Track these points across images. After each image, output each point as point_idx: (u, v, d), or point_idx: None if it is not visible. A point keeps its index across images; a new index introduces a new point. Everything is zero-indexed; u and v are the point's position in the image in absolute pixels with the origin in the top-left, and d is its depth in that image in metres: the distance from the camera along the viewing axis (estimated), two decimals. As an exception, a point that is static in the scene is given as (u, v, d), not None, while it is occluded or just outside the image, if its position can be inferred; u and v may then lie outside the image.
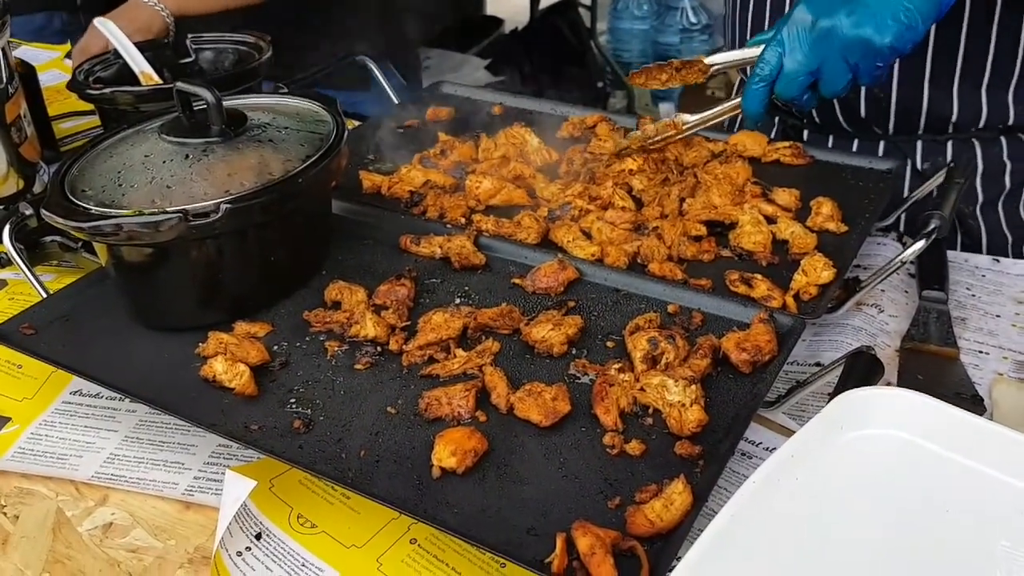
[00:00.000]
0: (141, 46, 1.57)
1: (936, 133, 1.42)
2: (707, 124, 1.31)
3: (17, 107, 1.34)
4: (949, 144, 1.41)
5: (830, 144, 1.48)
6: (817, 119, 1.50)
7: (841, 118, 1.46)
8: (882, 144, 1.44)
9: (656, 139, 1.35)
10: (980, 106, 1.36)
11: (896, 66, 1.36)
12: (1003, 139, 1.40)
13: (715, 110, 1.28)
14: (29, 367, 1.11)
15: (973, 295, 1.21)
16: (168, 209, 1.00)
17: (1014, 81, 1.34)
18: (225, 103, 1.11)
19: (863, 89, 1.41)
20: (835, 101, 1.44)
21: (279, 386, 0.99)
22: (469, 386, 0.95)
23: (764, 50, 1.12)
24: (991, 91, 1.34)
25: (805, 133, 1.54)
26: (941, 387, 1.03)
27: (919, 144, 1.43)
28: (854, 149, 1.46)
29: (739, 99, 1.19)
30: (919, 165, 1.42)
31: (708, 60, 1.23)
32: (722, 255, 1.19)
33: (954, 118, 1.37)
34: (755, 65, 1.13)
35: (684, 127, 1.32)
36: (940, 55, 1.33)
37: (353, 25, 2.11)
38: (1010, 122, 1.37)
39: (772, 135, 1.54)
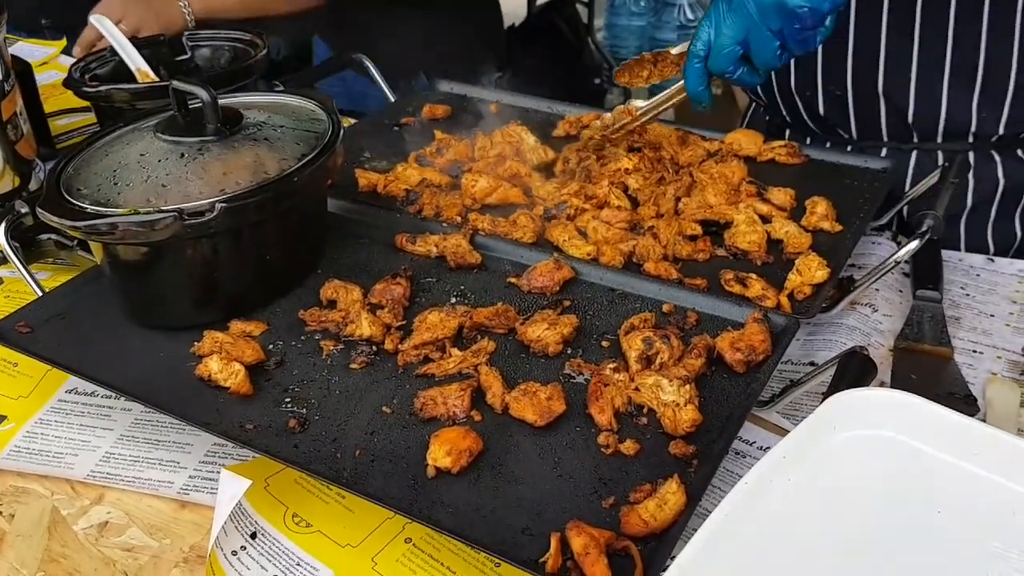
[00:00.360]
0: (137, 43, 1.57)
1: (900, 141, 1.41)
2: (659, 109, 1.30)
3: (13, 104, 1.34)
4: (913, 154, 1.41)
5: (808, 142, 1.49)
6: (787, 117, 1.50)
7: (805, 116, 1.46)
8: (849, 150, 1.44)
9: (615, 127, 1.35)
10: (939, 107, 1.35)
11: (850, 60, 1.36)
12: (971, 155, 1.39)
13: (663, 94, 1.28)
14: (25, 365, 1.11)
15: (967, 294, 1.22)
16: (163, 208, 1.00)
17: (977, 87, 1.33)
18: (221, 101, 1.11)
19: (819, 84, 1.41)
20: (796, 97, 1.44)
21: (274, 385, 1.00)
22: (464, 386, 0.95)
23: (698, 28, 1.12)
24: (952, 92, 1.34)
25: (787, 132, 1.54)
26: (935, 387, 1.03)
27: (884, 152, 1.42)
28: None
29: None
30: None
31: (674, 51, 1.23)
32: (717, 254, 1.19)
33: (911, 118, 1.37)
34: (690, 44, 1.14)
35: (637, 112, 1.32)
36: (893, 49, 1.33)
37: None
38: (973, 129, 1.36)
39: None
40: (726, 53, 1.09)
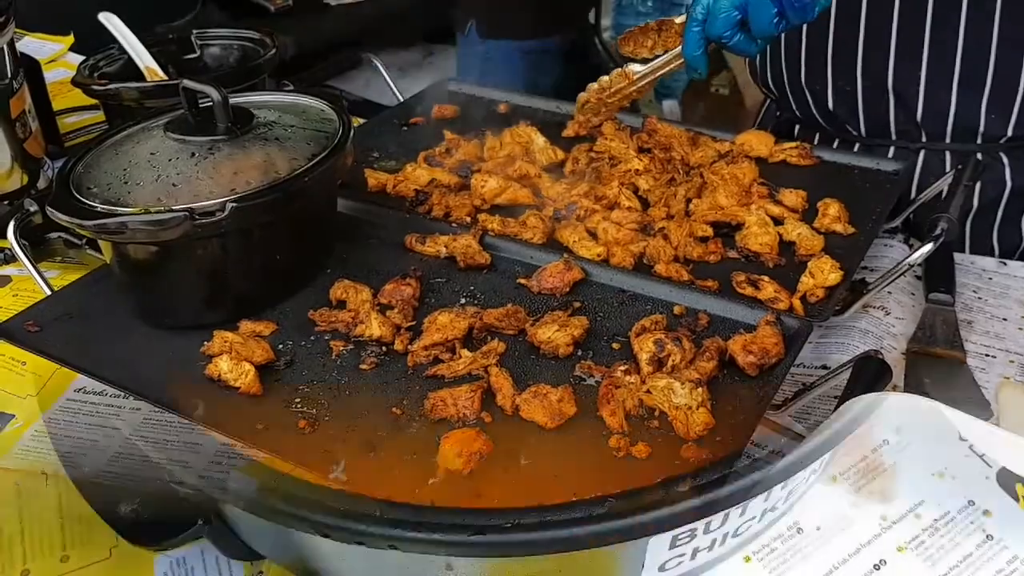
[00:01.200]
0: (146, 41, 1.57)
1: (908, 139, 1.40)
2: (657, 74, 1.27)
3: (22, 102, 1.34)
4: (921, 154, 1.40)
5: (816, 141, 1.48)
6: (797, 112, 1.49)
7: (814, 111, 1.45)
8: (857, 147, 1.43)
9: (612, 91, 1.33)
10: (948, 106, 1.34)
11: (860, 54, 1.35)
12: (978, 156, 1.38)
13: (662, 58, 1.25)
14: (33, 364, 1.10)
15: (980, 298, 1.21)
16: (174, 208, 0.99)
17: (987, 87, 1.32)
18: (231, 101, 1.10)
19: (829, 78, 1.40)
20: (806, 92, 1.43)
21: (284, 385, 0.99)
22: (474, 387, 0.95)
23: None
24: (961, 92, 1.33)
25: (796, 128, 1.53)
26: (948, 391, 1.03)
27: (891, 151, 1.42)
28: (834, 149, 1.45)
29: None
30: None
31: (678, 20, 1.22)
32: (728, 256, 1.18)
33: (919, 116, 1.36)
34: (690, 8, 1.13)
35: (635, 76, 1.30)
36: (904, 45, 1.32)
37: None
38: (981, 130, 1.35)
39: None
40: (723, 17, 1.08)
